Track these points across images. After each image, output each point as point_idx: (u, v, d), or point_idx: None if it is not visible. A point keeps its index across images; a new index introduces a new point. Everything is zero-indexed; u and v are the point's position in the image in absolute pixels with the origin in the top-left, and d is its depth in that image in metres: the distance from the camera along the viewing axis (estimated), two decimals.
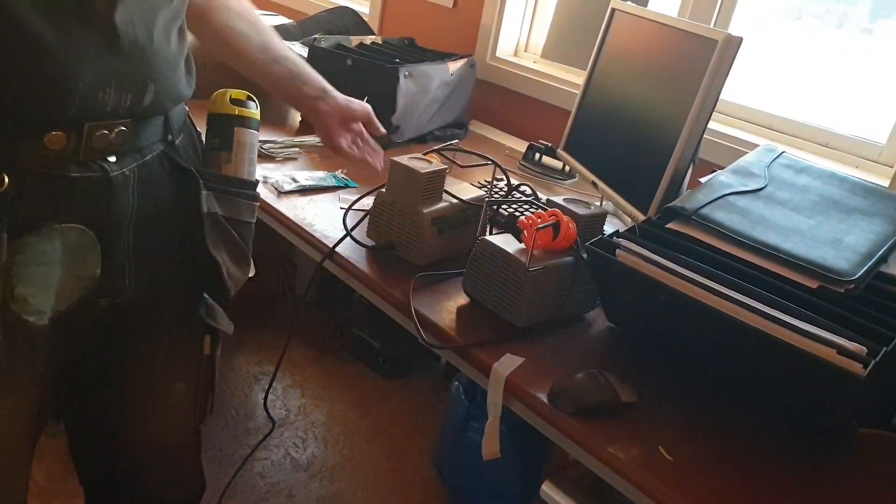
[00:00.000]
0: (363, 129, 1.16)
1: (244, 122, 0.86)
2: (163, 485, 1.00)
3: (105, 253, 0.73)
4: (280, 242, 1.20)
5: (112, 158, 0.71)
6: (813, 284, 0.79)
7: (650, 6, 1.68)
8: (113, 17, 0.64)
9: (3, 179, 0.64)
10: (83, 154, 0.68)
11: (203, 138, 0.88)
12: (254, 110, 0.88)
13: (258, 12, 1.03)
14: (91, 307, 0.76)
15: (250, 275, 0.92)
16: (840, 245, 0.84)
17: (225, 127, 0.85)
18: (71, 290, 0.72)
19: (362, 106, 1.14)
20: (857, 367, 0.65)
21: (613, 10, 1.36)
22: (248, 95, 0.88)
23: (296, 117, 1.69)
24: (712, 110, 1.06)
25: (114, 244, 0.74)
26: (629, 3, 1.33)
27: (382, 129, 1.17)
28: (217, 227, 0.83)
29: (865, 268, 0.79)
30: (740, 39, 1.01)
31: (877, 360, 0.66)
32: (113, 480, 0.98)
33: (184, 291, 0.87)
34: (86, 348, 0.82)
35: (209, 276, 0.84)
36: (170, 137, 0.79)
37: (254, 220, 0.89)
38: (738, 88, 1.58)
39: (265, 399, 1.59)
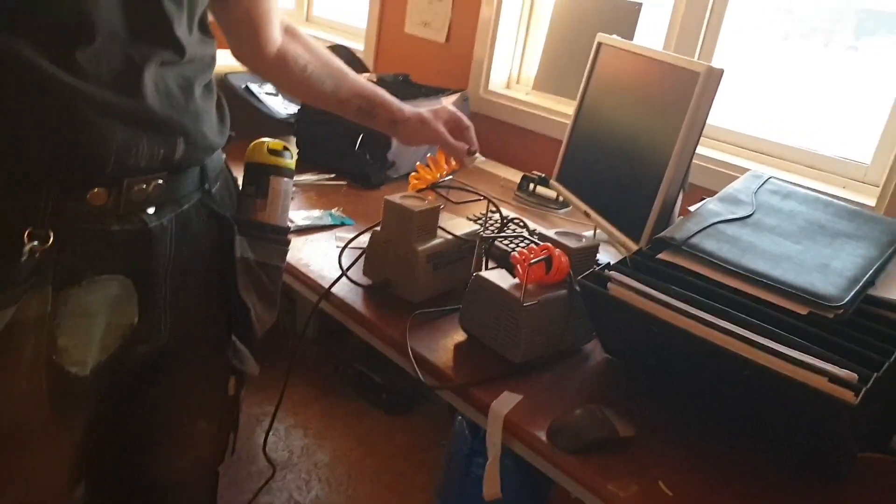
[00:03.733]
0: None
1: (280, 171, 0.91)
2: None
3: (142, 301, 0.76)
4: None
5: (151, 210, 0.74)
6: (803, 311, 0.80)
7: (636, 38, 1.72)
8: (141, 81, 0.68)
9: (49, 235, 0.67)
10: (123, 208, 0.71)
11: (238, 184, 0.92)
12: (289, 160, 0.92)
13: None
14: (129, 354, 0.78)
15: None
16: (827, 270, 0.85)
17: (261, 175, 0.90)
18: (111, 340, 0.75)
19: (432, 134, 1.14)
20: (848, 395, 0.66)
21: (600, 43, 1.39)
22: (284, 146, 0.92)
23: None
24: (698, 139, 1.08)
25: (151, 292, 0.77)
26: (615, 36, 1.36)
27: (474, 141, 1.17)
28: (249, 271, 0.86)
29: (853, 292, 0.80)
30: (721, 71, 1.04)
31: (868, 386, 0.66)
32: None
33: (214, 334, 0.89)
34: (119, 392, 0.84)
35: (238, 319, 0.87)
36: (206, 186, 0.82)
37: (283, 265, 0.92)
38: (728, 113, 1.60)
39: (264, 443, 1.58)
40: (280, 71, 1.03)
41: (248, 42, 0.98)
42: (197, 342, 0.86)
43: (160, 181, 0.73)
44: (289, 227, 0.93)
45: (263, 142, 0.91)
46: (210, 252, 0.83)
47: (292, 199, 1.41)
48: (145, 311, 0.77)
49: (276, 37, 1.00)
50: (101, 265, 0.71)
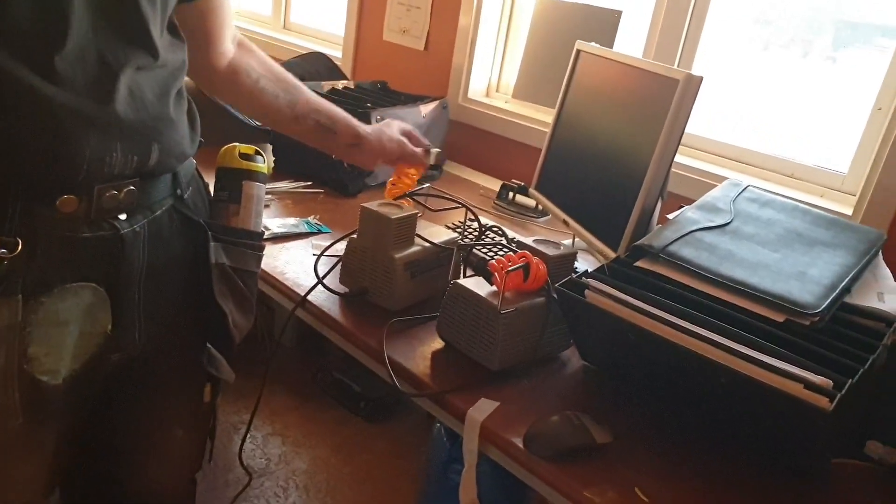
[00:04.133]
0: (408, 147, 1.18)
1: (252, 175, 0.90)
2: None
3: (116, 308, 0.74)
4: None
5: (122, 216, 0.73)
6: (779, 318, 0.80)
7: (616, 46, 1.72)
8: (116, 87, 0.67)
9: (17, 243, 0.65)
10: (94, 214, 0.70)
11: (210, 190, 0.91)
12: (261, 164, 0.91)
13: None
14: (103, 363, 0.76)
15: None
16: (804, 278, 0.85)
17: (234, 180, 0.89)
18: (84, 348, 0.73)
19: (394, 145, 1.15)
20: (823, 402, 0.66)
21: (579, 51, 1.40)
22: (256, 150, 0.91)
23: (268, 164, 1.69)
24: (677, 147, 1.08)
25: (124, 299, 0.75)
26: (593, 44, 1.37)
27: (426, 142, 1.20)
28: (224, 277, 0.85)
29: (829, 300, 0.80)
30: (700, 79, 1.04)
31: (842, 393, 0.66)
32: None
33: (189, 341, 0.88)
34: (94, 400, 0.82)
35: (215, 326, 0.86)
36: (179, 192, 0.81)
37: (258, 270, 0.91)
38: (707, 122, 1.61)
39: (240, 450, 1.56)
40: (231, 84, 1.01)
41: (200, 53, 0.95)
42: (172, 349, 0.85)
43: (132, 187, 0.72)
44: (263, 233, 0.92)
45: (235, 146, 0.90)
46: (184, 258, 0.82)
47: (267, 206, 1.40)
48: (119, 319, 0.75)
49: (228, 48, 0.99)
50: (72, 273, 0.70)
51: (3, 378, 0.67)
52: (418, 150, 1.17)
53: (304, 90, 1.07)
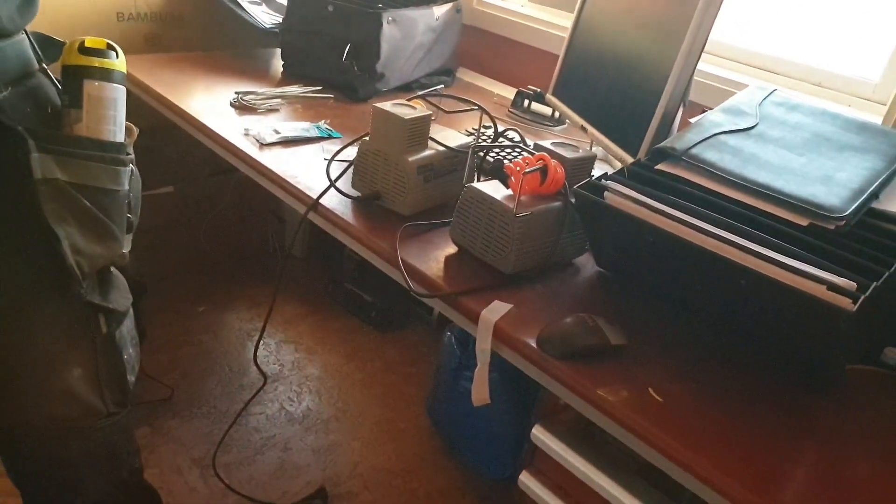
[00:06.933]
0: None
1: (97, 73, 0.77)
2: (80, 470, 0.93)
3: None
4: (268, 198, 1.18)
5: None
6: (803, 222, 0.78)
7: None
8: None
9: None
10: None
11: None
12: (113, 60, 0.78)
13: None
14: None
15: (125, 250, 0.84)
16: (831, 182, 0.83)
17: (73, 80, 0.77)
18: None
19: None
20: (846, 303, 0.65)
21: None
22: (109, 44, 0.79)
23: (278, 67, 1.64)
24: (702, 50, 1.03)
25: None
26: None
27: None
28: (59, 195, 0.74)
29: (856, 204, 0.78)
30: None
31: (866, 295, 0.65)
32: (36, 473, 0.93)
33: (41, 271, 0.78)
34: None
35: (52, 251, 0.75)
36: None
37: (121, 188, 0.80)
38: (730, 28, 1.54)
39: (255, 355, 1.58)
40: None
41: None
42: (21, 281, 0.76)
43: None
44: (120, 144, 0.80)
45: (77, 40, 0.78)
46: (4, 174, 0.72)
47: (277, 109, 1.36)
48: None
49: None
50: None
51: None
52: None
53: None
